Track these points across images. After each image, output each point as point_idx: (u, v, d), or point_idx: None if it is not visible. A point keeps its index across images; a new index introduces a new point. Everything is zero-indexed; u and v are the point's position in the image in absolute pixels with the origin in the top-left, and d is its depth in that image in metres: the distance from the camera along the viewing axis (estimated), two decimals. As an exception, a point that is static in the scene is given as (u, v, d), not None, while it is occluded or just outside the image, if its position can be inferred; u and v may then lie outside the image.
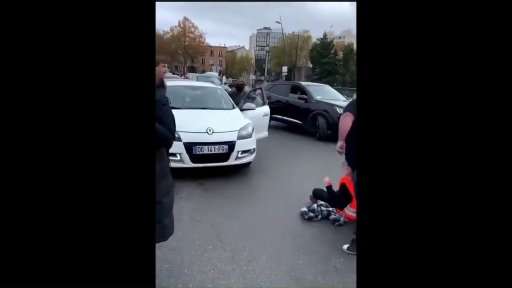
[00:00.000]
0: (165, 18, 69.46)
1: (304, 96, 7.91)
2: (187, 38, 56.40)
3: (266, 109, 5.98)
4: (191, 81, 10.01)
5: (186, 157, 3.97)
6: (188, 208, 3.29)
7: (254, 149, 4.54)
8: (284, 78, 31.39)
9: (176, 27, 56.58)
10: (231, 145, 4.18)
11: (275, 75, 51.30)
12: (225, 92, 5.82)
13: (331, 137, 6.94)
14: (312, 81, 20.24)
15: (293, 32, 52.15)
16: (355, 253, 2.52)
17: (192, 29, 58.01)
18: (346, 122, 2.54)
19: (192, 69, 55.65)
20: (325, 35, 44.19)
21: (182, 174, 4.06)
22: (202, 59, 65.84)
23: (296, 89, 8.38)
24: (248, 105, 5.51)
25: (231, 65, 66.40)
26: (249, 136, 4.44)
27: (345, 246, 2.63)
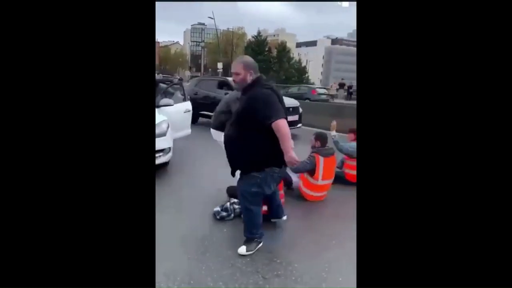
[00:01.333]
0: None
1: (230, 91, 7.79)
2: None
3: (187, 105, 5.70)
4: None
5: None
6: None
7: (169, 148, 4.25)
8: (219, 74, 31.09)
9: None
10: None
11: (212, 72, 50.62)
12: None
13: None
14: None
15: (228, 28, 51.98)
16: (253, 251, 2.43)
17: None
18: (287, 128, 2.20)
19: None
20: (259, 32, 44.83)
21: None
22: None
23: (223, 84, 8.22)
24: (165, 101, 5.16)
25: (165, 61, 63.75)
26: (162, 134, 4.13)
27: (241, 250, 2.42)
